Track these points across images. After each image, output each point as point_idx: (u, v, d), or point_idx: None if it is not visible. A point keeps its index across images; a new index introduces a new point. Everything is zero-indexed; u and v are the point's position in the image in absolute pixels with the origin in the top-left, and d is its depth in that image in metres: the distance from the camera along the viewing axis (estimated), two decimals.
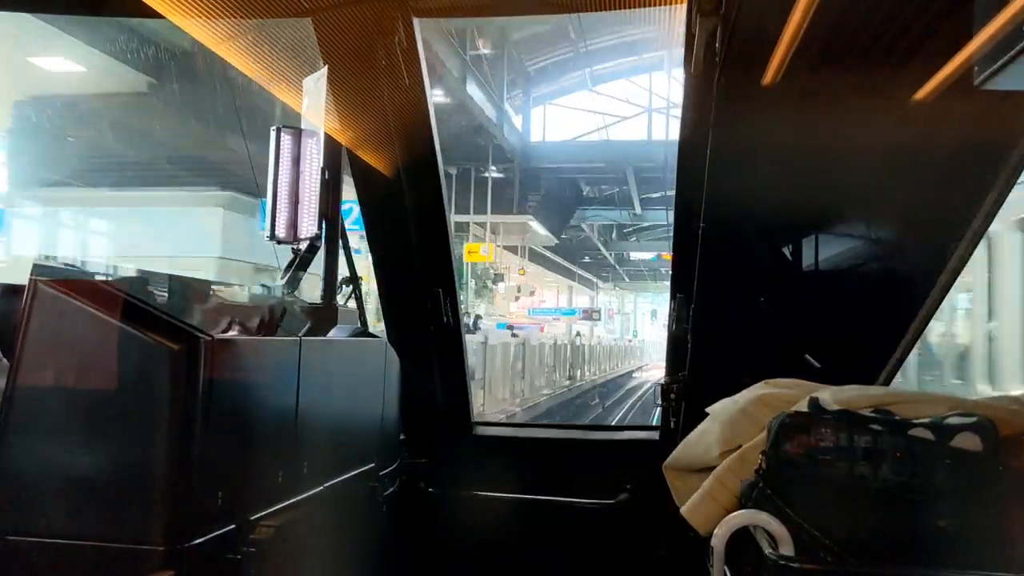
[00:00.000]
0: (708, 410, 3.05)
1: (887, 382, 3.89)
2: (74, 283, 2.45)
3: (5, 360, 2.77)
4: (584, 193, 43.09)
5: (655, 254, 53.34)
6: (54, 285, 2.42)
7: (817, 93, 3.34)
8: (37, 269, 2.44)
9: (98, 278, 2.50)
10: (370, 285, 5.02)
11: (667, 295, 4.31)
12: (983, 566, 1.98)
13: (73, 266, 2.51)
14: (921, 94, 3.21)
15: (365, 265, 4.76)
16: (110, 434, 2.42)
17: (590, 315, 54.16)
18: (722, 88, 3.27)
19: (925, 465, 2.14)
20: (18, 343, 2.42)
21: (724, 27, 3.12)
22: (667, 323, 4.42)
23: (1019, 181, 3.28)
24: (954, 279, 3.65)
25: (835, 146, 3.51)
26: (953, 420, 2.20)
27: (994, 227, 3.54)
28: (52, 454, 2.40)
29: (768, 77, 3.28)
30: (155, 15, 4.10)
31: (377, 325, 4.85)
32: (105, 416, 2.43)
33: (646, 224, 46.54)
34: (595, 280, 65.53)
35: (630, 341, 72.41)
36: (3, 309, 3.16)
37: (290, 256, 3.89)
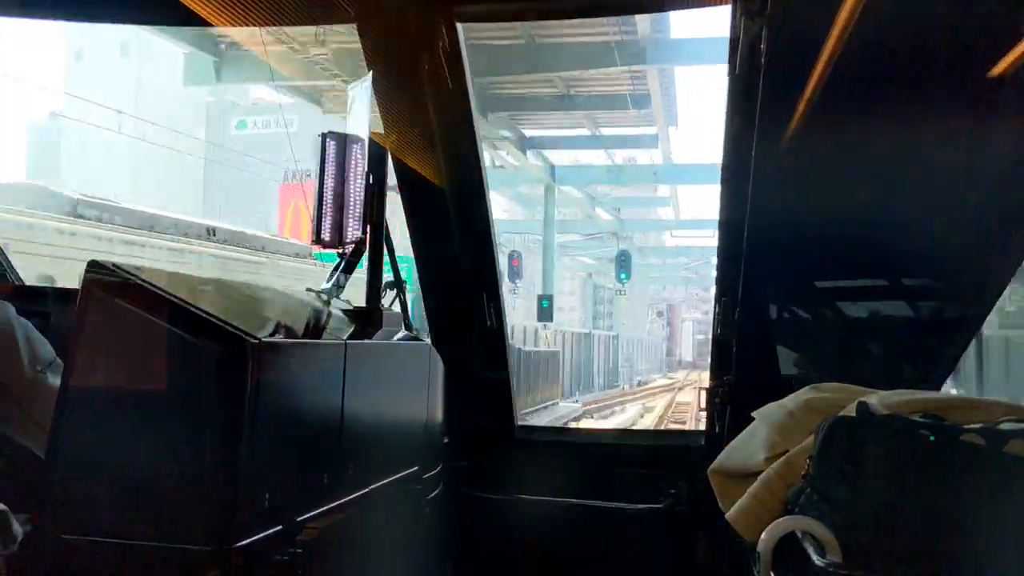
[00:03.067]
0: (754, 414, 3.02)
1: (938, 387, 3.83)
2: (125, 286, 2.49)
3: (60, 361, 2.82)
4: None
5: None
6: (106, 288, 2.46)
7: (864, 96, 3.30)
8: (90, 273, 2.48)
9: (148, 282, 2.53)
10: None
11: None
12: None
13: (124, 269, 2.54)
14: (974, 98, 3.17)
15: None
16: (160, 435, 2.45)
17: None
18: (767, 90, 3.25)
19: (977, 472, 2.10)
20: (72, 345, 2.47)
21: (769, 29, 3.10)
22: (712, 327, 4.39)
23: None
24: (1005, 284, 3.59)
25: (883, 150, 3.46)
26: (1006, 425, 2.16)
27: None
28: (104, 454, 2.43)
29: (813, 79, 3.25)
30: (204, 23, 4.16)
31: None
32: (155, 417, 2.46)
33: None
34: None
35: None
36: (59, 312, 3.22)
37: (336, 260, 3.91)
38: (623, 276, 38.11)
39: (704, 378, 4.89)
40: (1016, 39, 2.86)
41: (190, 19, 4.11)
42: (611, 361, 53.60)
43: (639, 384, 55.92)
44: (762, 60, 3.21)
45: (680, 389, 46.64)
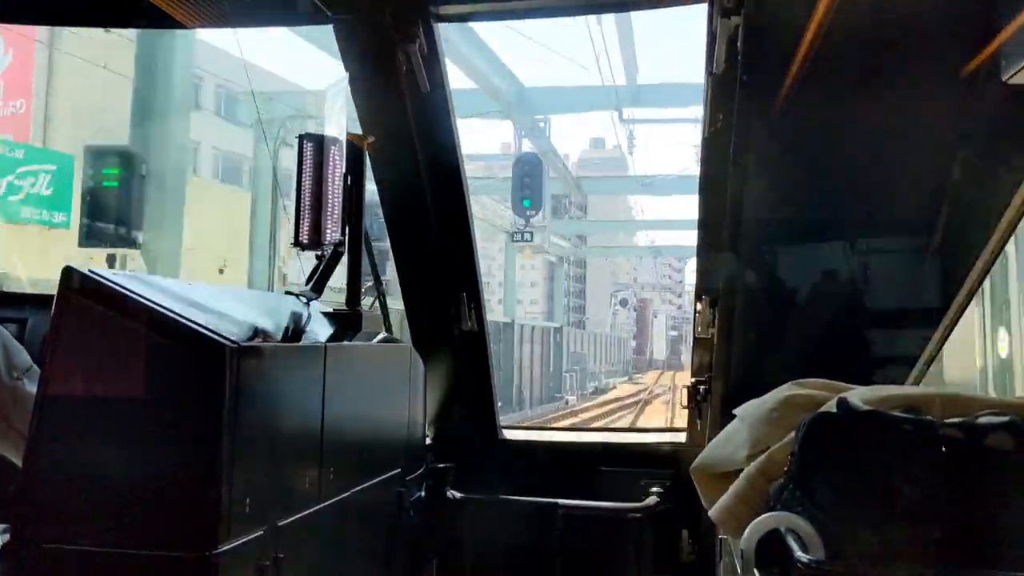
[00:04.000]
0: (735, 412, 3.03)
1: (917, 382, 3.86)
2: (101, 292, 2.46)
3: (37, 368, 2.80)
4: None
5: None
6: (82, 294, 2.44)
7: (841, 92, 3.32)
8: (65, 280, 2.46)
9: (125, 287, 2.52)
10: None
11: None
12: (1018, 567, 1.96)
13: (100, 275, 2.52)
14: (947, 92, 3.19)
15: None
16: (139, 441, 2.43)
17: None
18: (744, 88, 3.26)
19: (957, 466, 2.11)
20: (48, 352, 2.45)
21: (746, 27, 3.10)
22: (692, 325, 4.40)
23: None
24: (982, 280, 3.62)
25: (861, 146, 3.48)
26: (985, 420, 2.17)
27: None
28: (83, 462, 2.41)
29: (790, 76, 3.26)
30: (178, 25, 4.14)
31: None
32: (134, 423, 2.44)
33: None
34: None
35: None
36: (35, 319, 3.19)
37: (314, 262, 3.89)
38: (526, 204, 22.72)
39: (679, 380, 4.90)
40: (987, 32, 2.88)
41: (163, 21, 4.08)
42: (551, 363, 40.44)
43: (594, 393, 46.11)
44: (739, 58, 3.22)
45: (647, 402, 38.96)
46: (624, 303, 74.65)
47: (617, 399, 40.71)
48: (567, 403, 37.27)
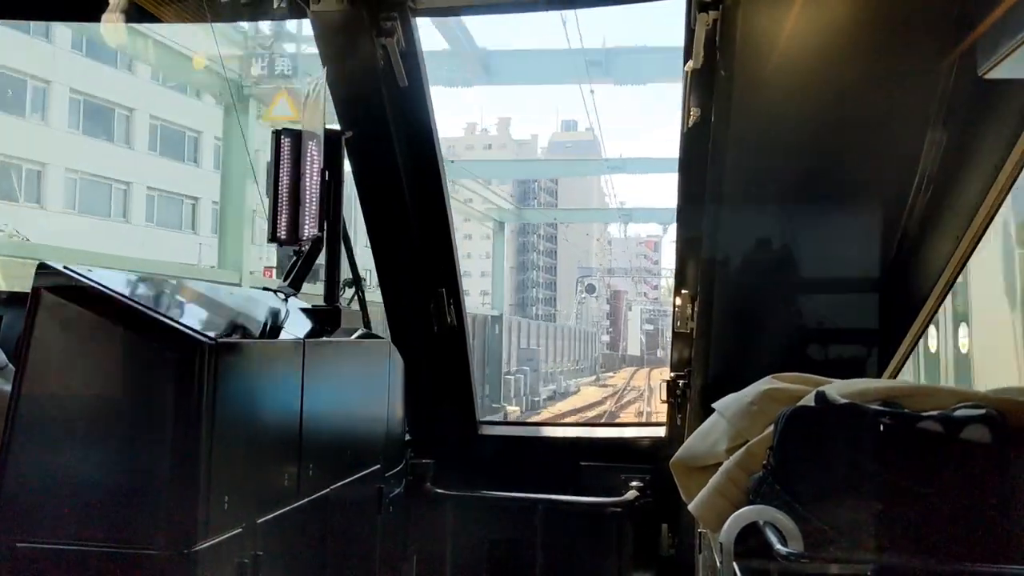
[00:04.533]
0: (714, 406, 3.04)
1: (894, 375, 3.88)
2: (76, 289, 2.44)
3: (12, 366, 2.77)
4: None
5: None
6: (56, 292, 2.42)
7: (820, 86, 3.33)
8: (40, 276, 2.44)
9: (100, 283, 2.49)
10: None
11: None
12: (993, 558, 1.97)
13: (74, 271, 2.49)
14: (924, 84, 3.20)
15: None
16: (115, 439, 2.42)
17: None
18: (722, 82, 3.26)
19: (934, 458, 2.13)
20: (23, 349, 2.42)
21: (724, 21, 3.11)
22: (671, 319, 4.41)
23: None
24: (958, 273, 3.64)
25: (840, 140, 3.50)
26: (962, 412, 2.18)
27: None
28: (58, 460, 2.39)
29: (769, 70, 3.27)
30: (154, 19, 4.10)
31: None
32: (110, 421, 2.42)
33: None
34: None
35: None
36: (9, 316, 3.16)
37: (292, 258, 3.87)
38: None
39: (656, 379, 4.91)
40: (964, 25, 2.90)
41: (142, 16, 4.05)
42: (486, 363, 31.96)
43: (551, 399, 40.40)
44: (717, 52, 3.22)
45: (613, 414, 33.28)
46: (591, 290, 65.46)
47: (574, 410, 35.02)
48: (505, 417, 28.45)
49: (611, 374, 59.25)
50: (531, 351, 41.40)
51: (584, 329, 63.46)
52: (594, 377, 56.63)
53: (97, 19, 3.96)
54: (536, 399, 37.85)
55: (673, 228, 4.20)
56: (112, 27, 4.08)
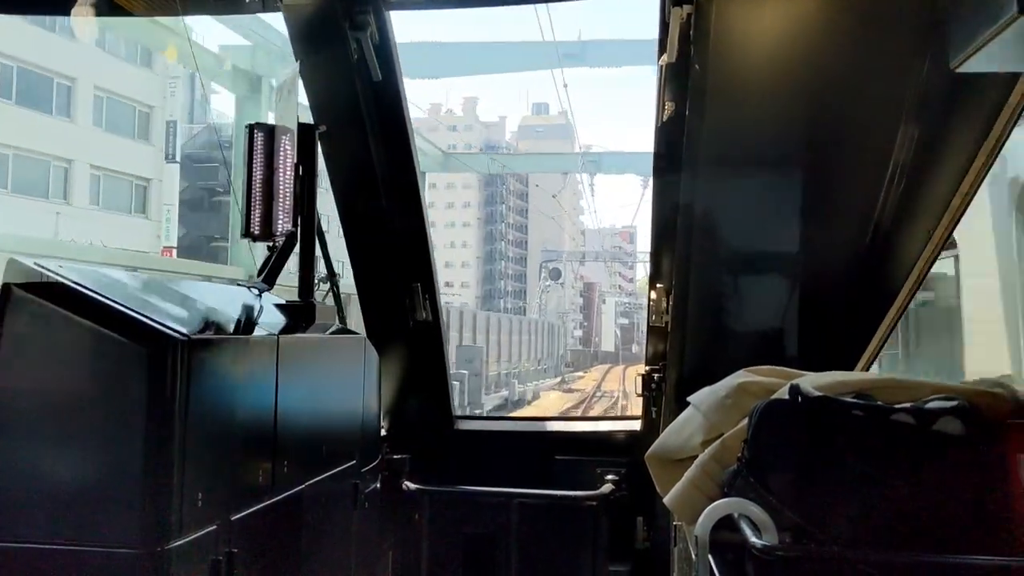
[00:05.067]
0: (689, 399, 3.05)
1: (867, 367, 3.91)
2: (47, 285, 2.42)
3: None
4: None
5: None
6: (27, 288, 2.39)
7: (793, 80, 3.34)
8: (10, 272, 2.41)
9: (71, 279, 2.47)
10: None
11: None
12: (966, 549, 1.99)
13: (45, 267, 2.47)
14: (897, 79, 3.22)
15: None
16: (87, 436, 2.39)
17: None
18: (696, 77, 3.27)
19: (907, 450, 2.14)
20: None
21: (698, 15, 3.11)
22: (646, 313, 4.43)
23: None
24: (930, 266, 3.67)
25: (813, 135, 3.51)
26: (934, 404, 2.20)
27: None
28: (28, 458, 2.37)
29: (743, 64, 3.28)
30: (124, 12, 4.06)
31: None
32: (82, 418, 2.40)
33: None
34: None
35: None
36: None
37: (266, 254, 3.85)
38: None
39: (631, 384, 4.91)
40: (937, 19, 2.92)
41: (112, 9, 4.01)
42: None
43: (499, 410, 34.09)
44: (691, 46, 3.22)
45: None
46: (555, 275, 56.23)
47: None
48: None
49: (581, 374, 51.02)
50: (472, 349, 34.65)
51: (549, 322, 55.38)
52: (558, 378, 48.32)
53: (67, 12, 3.92)
54: (477, 411, 30.36)
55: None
56: (82, 20, 4.04)
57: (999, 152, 3.19)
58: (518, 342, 44.34)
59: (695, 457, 2.70)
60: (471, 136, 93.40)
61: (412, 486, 4.65)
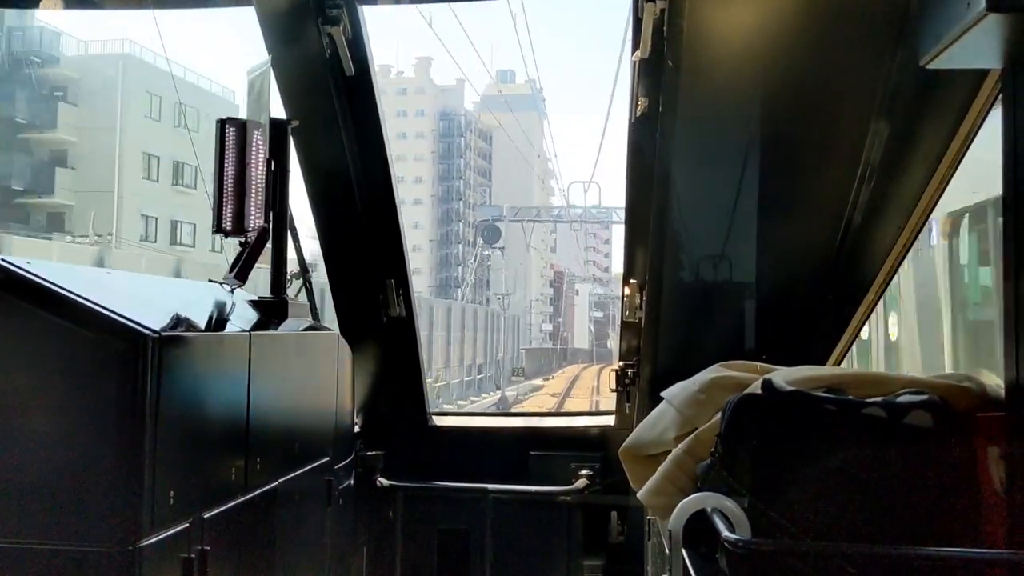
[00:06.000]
0: (663, 394, 3.06)
1: (839, 362, 3.94)
2: (15, 281, 2.39)
3: None
4: None
5: None
6: None
7: (765, 76, 3.35)
8: None
9: (40, 276, 2.44)
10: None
11: None
12: (937, 541, 2.00)
13: (13, 264, 2.44)
14: (869, 73, 3.24)
15: None
16: (57, 434, 2.37)
17: None
18: (670, 73, 3.27)
19: (879, 443, 2.16)
20: None
21: (671, 11, 3.12)
22: (620, 309, 4.44)
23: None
24: (900, 262, 3.70)
25: (785, 132, 3.53)
26: (905, 398, 2.22)
27: None
28: None
29: (716, 61, 3.29)
30: (95, 6, 4.02)
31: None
32: (52, 416, 2.38)
33: None
34: None
35: None
36: None
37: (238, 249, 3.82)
38: None
39: (606, 381, 4.90)
40: (907, 15, 2.94)
41: (82, 2, 3.97)
42: None
43: None
44: (664, 42, 3.23)
45: None
46: (492, 236, 41.32)
47: None
48: None
49: (542, 380, 38.53)
50: None
51: (491, 310, 42.92)
52: (497, 395, 34.98)
53: (36, 5, 3.88)
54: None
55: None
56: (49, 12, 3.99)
57: (968, 148, 3.22)
58: (450, 338, 35.16)
59: (669, 452, 2.71)
60: (423, 101, 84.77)
61: (386, 482, 4.64)
